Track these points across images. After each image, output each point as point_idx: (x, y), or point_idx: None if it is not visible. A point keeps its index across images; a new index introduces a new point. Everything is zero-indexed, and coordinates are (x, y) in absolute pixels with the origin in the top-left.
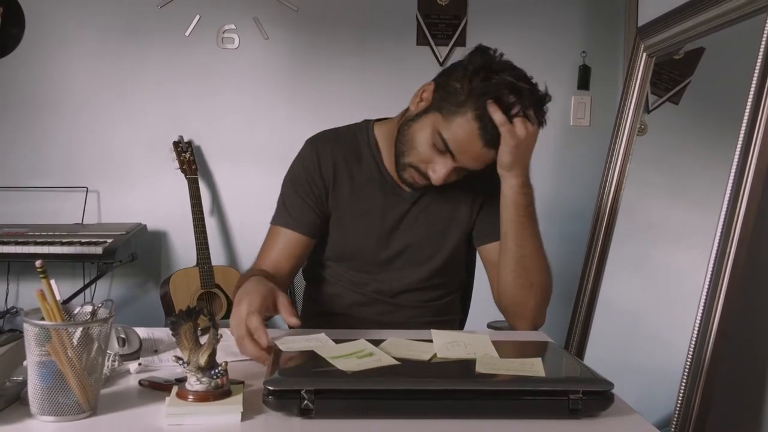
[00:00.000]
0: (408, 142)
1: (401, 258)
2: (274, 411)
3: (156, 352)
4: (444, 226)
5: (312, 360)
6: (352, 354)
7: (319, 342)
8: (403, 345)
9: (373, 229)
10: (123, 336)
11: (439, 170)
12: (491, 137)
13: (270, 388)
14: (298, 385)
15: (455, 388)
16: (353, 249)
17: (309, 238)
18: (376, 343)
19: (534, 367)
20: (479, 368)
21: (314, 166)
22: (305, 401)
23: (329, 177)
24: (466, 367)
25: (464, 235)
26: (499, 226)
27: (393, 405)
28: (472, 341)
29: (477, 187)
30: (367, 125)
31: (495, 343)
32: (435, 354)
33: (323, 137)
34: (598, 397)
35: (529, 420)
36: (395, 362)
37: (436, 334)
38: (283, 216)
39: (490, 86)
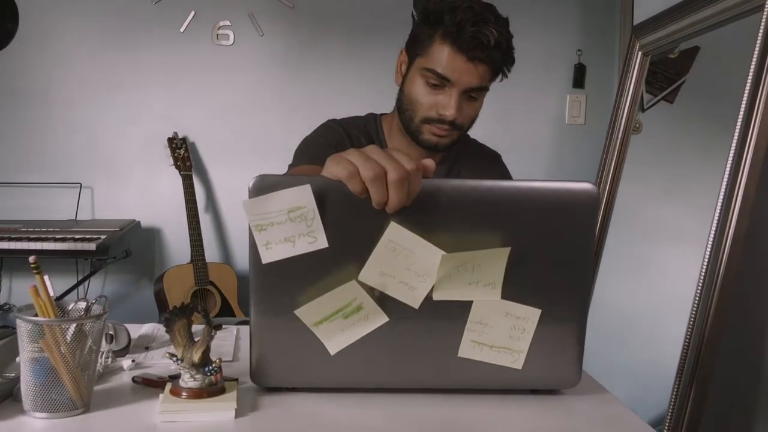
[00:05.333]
0: (409, 102)
1: None
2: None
3: (147, 349)
4: None
5: (294, 332)
6: (338, 312)
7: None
8: (399, 266)
9: None
10: (111, 333)
11: (447, 103)
12: (467, 43)
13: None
14: (284, 384)
15: (426, 387)
16: None
17: None
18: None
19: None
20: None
21: (342, 140)
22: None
23: None
24: (453, 323)
25: None
26: None
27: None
28: (485, 260)
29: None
30: (374, 117)
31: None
32: (432, 290)
33: (342, 121)
34: None
35: (495, 395)
36: (383, 318)
37: (446, 258)
38: (307, 156)
39: (443, 7)
